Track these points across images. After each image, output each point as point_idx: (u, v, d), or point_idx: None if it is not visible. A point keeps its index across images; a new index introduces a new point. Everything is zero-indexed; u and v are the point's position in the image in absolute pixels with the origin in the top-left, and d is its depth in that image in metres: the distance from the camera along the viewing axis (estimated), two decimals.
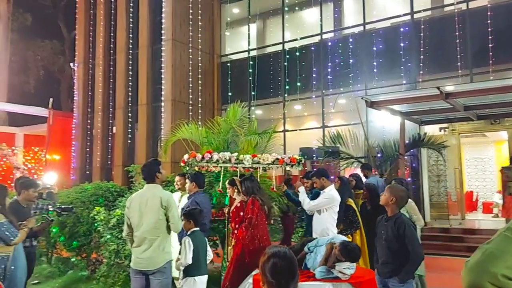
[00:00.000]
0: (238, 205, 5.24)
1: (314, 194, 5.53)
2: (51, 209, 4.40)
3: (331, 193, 5.14)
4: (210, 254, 4.61)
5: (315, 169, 5.70)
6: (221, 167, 5.80)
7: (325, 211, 5.14)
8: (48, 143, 15.19)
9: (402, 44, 11.14)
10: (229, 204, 5.70)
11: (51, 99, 15.25)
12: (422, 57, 10.74)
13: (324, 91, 12.37)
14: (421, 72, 10.74)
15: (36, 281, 7.09)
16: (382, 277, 3.81)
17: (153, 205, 4.02)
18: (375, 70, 11.45)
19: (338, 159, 10.24)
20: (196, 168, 5.74)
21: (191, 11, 13.67)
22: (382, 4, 12.03)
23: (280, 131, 12.38)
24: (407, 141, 9.51)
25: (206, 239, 4.85)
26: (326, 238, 4.88)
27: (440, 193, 11.04)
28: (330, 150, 10.11)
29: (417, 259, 3.61)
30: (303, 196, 5.32)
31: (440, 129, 11.12)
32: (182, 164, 5.66)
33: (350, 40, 12.12)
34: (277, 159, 5.82)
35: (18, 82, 23.89)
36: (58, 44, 25.84)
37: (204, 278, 4.37)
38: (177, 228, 4.16)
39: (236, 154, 5.83)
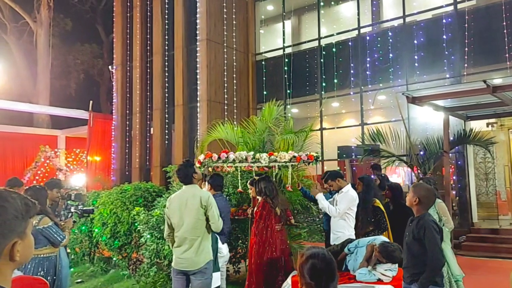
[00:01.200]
0: (260, 205, 5.28)
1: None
2: (73, 210, 4.56)
3: (350, 193, 5.12)
4: (224, 252, 4.67)
5: (328, 172, 5.58)
6: (236, 167, 5.83)
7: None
8: (88, 145, 15.82)
9: (444, 36, 10.79)
10: (253, 205, 5.74)
11: (91, 102, 15.87)
12: (466, 49, 10.36)
13: (362, 87, 12.18)
14: (466, 65, 10.36)
15: (79, 280, 7.41)
16: (405, 282, 3.62)
17: (193, 205, 4.09)
18: (416, 65, 11.16)
19: (379, 158, 10.05)
20: (210, 170, 5.82)
21: (225, 10, 13.82)
22: None
23: (317, 130, 12.30)
24: (451, 138, 9.21)
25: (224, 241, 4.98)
26: (367, 239, 4.83)
27: (489, 192, 10.63)
28: (370, 148, 9.92)
29: (436, 265, 3.35)
30: (325, 204, 5.20)
31: (488, 124, 10.69)
32: (198, 165, 5.72)
33: (390, 33, 11.87)
34: (294, 157, 5.77)
35: (60, 86, 24.95)
36: (97, 48, 26.79)
37: (217, 275, 4.47)
38: (217, 228, 4.20)
39: (252, 153, 5.84)
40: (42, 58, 21.78)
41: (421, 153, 9.55)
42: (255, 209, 5.36)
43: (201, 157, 5.72)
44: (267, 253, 5.07)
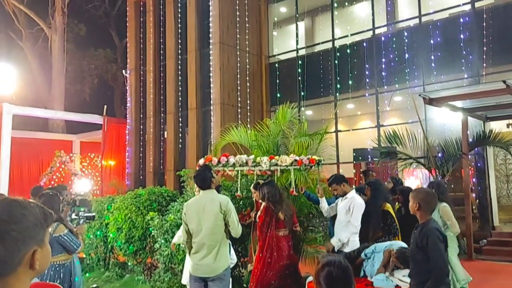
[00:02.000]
0: (263, 211, 5.26)
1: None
2: (74, 216, 4.59)
3: (358, 201, 5.06)
4: (233, 258, 4.66)
5: (333, 176, 5.54)
6: (237, 171, 5.82)
7: (348, 217, 5.06)
8: (103, 149, 16.00)
9: (462, 36, 10.65)
10: (256, 208, 5.72)
11: (105, 107, 16.06)
12: (485, 48, 10.20)
13: (378, 88, 12.08)
14: (485, 65, 10.20)
15: (94, 285, 7.48)
16: None
17: (212, 210, 4.06)
18: (433, 65, 11.03)
19: (396, 160, 9.96)
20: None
21: (238, 13, 13.87)
22: None
23: (332, 132, 12.24)
24: (470, 139, 9.08)
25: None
26: (383, 244, 4.78)
27: (510, 195, 10.43)
28: (386, 150, 9.83)
29: (439, 274, 3.23)
30: (325, 206, 5.40)
31: (508, 125, 10.50)
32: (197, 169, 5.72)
33: (405, 33, 11.76)
34: (295, 160, 5.73)
35: (74, 91, 25.32)
36: (110, 53, 27.13)
37: None
38: (237, 233, 4.19)
39: (252, 156, 5.82)
40: (56, 63, 22.14)
41: (439, 155, 9.42)
42: (259, 213, 5.35)
43: (201, 161, 5.72)
44: (273, 259, 5.04)
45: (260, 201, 5.43)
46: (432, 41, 11.14)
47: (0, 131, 13.38)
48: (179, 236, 5.61)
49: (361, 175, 8.61)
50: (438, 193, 5.33)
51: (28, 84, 22.18)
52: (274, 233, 5.11)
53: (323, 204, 5.55)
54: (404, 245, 4.68)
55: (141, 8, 16.31)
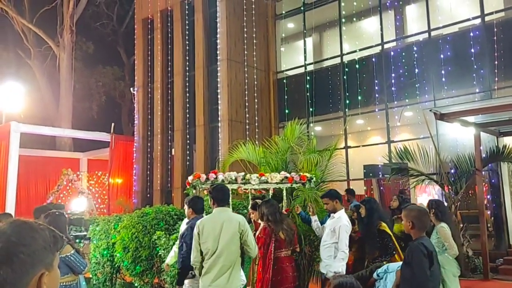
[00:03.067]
0: (262, 231, 5.20)
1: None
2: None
3: (343, 222, 4.98)
4: (243, 279, 4.61)
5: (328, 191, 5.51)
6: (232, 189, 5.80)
7: (334, 239, 4.98)
8: (110, 167, 16.09)
9: (472, 50, 10.64)
10: (255, 228, 5.68)
11: (113, 124, 16.21)
12: (496, 62, 10.17)
13: (388, 103, 12.06)
14: (496, 79, 10.16)
15: None
16: None
17: (230, 229, 3.98)
18: (443, 80, 11.01)
19: (407, 177, 9.87)
20: (193, 192, 5.81)
21: (245, 29, 14.02)
22: (448, 8, 11.61)
23: (341, 148, 12.19)
24: (484, 155, 8.99)
25: None
26: (396, 264, 4.70)
27: None
28: (397, 166, 9.76)
29: None
30: (314, 225, 5.42)
31: None
32: (188, 186, 5.72)
33: (415, 48, 11.79)
34: (286, 177, 5.70)
35: (82, 109, 25.63)
36: (118, 70, 27.51)
37: None
38: (254, 254, 4.14)
39: (242, 173, 5.80)
40: (64, 81, 22.47)
41: (452, 171, 9.34)
42: (257, 233, 5.29)
43: (190, 178, 5.73)
44: (277, 282, 4.96)
45: (259, 221, 5.39)
46: (442, 56, 11.14)
47: (8, 149, 13.53)
48: (172, 257, 5.61)
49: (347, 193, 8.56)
50: (438, 212, 5.27)
51: (36, 102, 22.50)
52: (275, 254, 5.03)
53: (314, 222, 5.53)
54: None
55: (149, 26, 16.57)
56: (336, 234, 4.94)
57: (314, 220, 5.55)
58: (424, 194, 10.91)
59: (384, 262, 5.13)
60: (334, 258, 4.93)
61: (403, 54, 12.03)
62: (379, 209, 5.59)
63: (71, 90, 22.76)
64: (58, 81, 23.05)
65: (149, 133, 16.10)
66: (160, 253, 6.32)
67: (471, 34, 10.76)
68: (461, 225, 8.93)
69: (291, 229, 5.23)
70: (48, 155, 17.82)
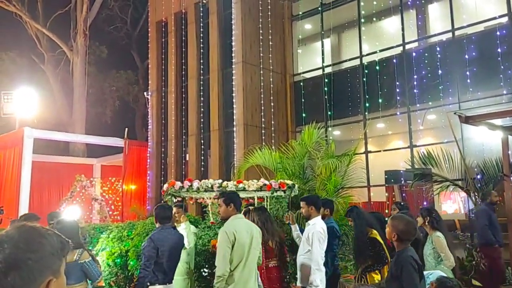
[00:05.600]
0: None
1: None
2: None
3: (317, 229, 4.87)
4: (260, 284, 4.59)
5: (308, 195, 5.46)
6: (209, 198, 5.77)
7: (308, 247, 4.89)
8: (124, 173, 16.26)
9: (499, 50, 10.47)
10: None
11: (126, 129, 16.39)
12: None
13: (410, 106, 11.94)
14: None
15: None
16: None
17: (257, 238, 4.03)
18: (468, 81, 10.85)
19: (431, 183, 9.73)
20: (173, 200, 5.80)
21: (261, 31, 14.06)
22: (472, 7, 11.46)
23: (361, 153, 12.09)
24: None
25: None
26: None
27: None
28: (420, 172, 9.63)
29: None
30: (294, 235, 5.38)
31: None
32: (163, 194, 5.72)
33: (438, 48, 11.66)
34: (265, 184, 5.64)
35: (95, 114, 26.00)
36: (132, 74, 27.85)
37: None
38: (260, 261, 4.17)
39: (219, 181, 5.76)
40: (78, 86, 22.84)
41: (478, 176, 9.17)
42: None
43: (165, 186, 5.73)
44: None
45: None
46: (467, 56, 10.98)
47: (21, 155, 13.79)
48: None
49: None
50: (433, 220, 5.16)
51: (50, 107, 22.92)
52: (264, 263, 4.96)
53: (294, 232, 5.49)
54: (444, 274, 4.53)
55: (163, 29, 16.75)
56: (309, 242, 4.87)
57: (294, 229, 5.52)
58: (449, 201, 10.74)
59: (377, 271, 5.08)
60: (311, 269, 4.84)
61: (426, 54, 11.90)
62: (366, 217, 5.52)
63: (84, 95, 23.11)
64: (71, 86, 23.45)
65: (163, 138, 16.23)
66: None
67: (498, 33, 10.59)
68: None
69: (280, 239, 5.19)
70: (61, 161, 18.10)
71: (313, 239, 4.79)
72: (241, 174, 8.60)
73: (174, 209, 5.88)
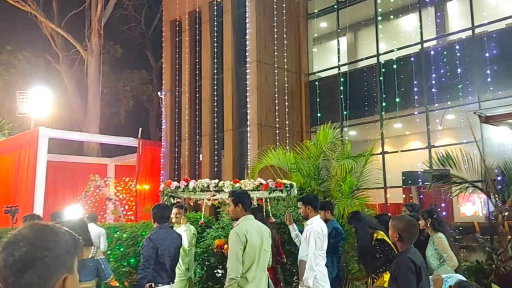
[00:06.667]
0: None
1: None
2: None
3: (314, 228, 4.87)
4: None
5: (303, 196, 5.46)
6: (202, 198, 5.77)
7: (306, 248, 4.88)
8: (137, 173, 16.40)
9: None
10: None
11: (140, 129, 16.55)
12: None
13: (428, 106, 11.82)
14: None
15: None
16: None
17: (268, 238, 4.05)
18: (489, 80, 10.70)
19: (449, 184, 9.61)
20: (171, 201, 5.80)
21: (275, 30, 14.06)
22: (493, 4, 11.31)
23: (378, 154, 12.01)
24: None
25: None
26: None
27: None
28: (438, 173, 9.52)
29: None
30: (293, 235, 5.41)
31: None
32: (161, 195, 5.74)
33: (457, 46, 11.52)
34: (261, 184, 5.60)
35: (109, 114, 26.31)
36: (146, 74, 28.11)
37: None
38: (270, 262, 4.20)
39: (216, 181, 5.74)
40: (92, 86, 23.13)
41: (499, 178, 9.03)
42: None
43: (161, 186, 5.74)
44: None
45: None
46: (487, 54, 10.84)
47: (36, 155, 14.02)
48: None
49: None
50: (434, 222, 5.12)
51: (64, 107, 23.27)
52: None
53: (293, 232, 5.54)
54: (463, 278, 4.48)
55: (177, 28, 16.86)
56: (307, 241, 4.89)
57: (292, 229, 5.55)
58: (468, 203, 10.61)
59: (388, 272, 5.06)
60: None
61: (445, 53, 11.78)
62: (367, 219, 5.50)
63: (98, 95, 23.39)
64: (85, 85, 23.77)
65: (176, 138, 16.33)
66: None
67: None
68: (509, 237, 8.62)
69: (274, 240, 5.20)
70: (75, 161, 18.35)
71: (309, 238, 4.83)
72: (255, 174, 8.61)
73: (175, 210, 5.95)
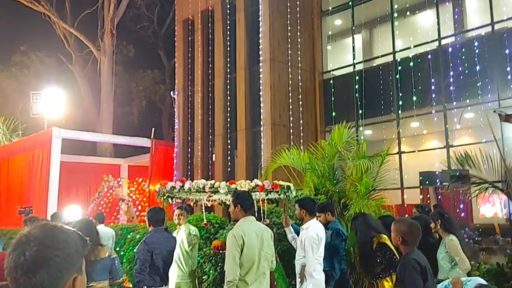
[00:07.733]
0: None
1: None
2: None
3: (309, 233, 4.80)
4: None
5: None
6: (198, 198, 5.76)
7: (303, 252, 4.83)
8: (150, 173, 16.48)
9: None
10: None
11: (153, 129, 16.64)
12: None
13: (446, 104, 11.69)
14: None
15: None
16: None
17: (268, 240, 4.03)
18: (509, 77, 10.55)
19: (469, 185, 9.49)
20: (169, 201, 5.81)
21: (289, 28, 14.04)
22: None
23: (394, 153, 11.91)
24: None
25: None
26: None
27: None
28: (457, 173, 9.41)
29: None
30: (289, 238, 5.41)
31: None
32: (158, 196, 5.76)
33: (476, 43, 11.37)
34: (257, 185, 5.54)
35: (122, 114, 26.52)
36: (158, 73, 28.29)
37: None
38: (274, 264, 4.18)
39: (212, 181, 5.71)
40: (105, 86, 23.34)
41: None
42: None
43: (158, 187, 5.76)
44: None
45: None
46: (507, 51, 10.68)
47: (50, 155, 14.19)
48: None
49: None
50: (445, 223, 5.03)
51: (77, 107, 23.51)
52: None
53: (289, 234, 5.51)
54: (483, 281, 4.41)
55: (189, 27, 16.93)
56: (303, 247, 4.85)
57: (288, 231, 5.51)
58: (488, 204, 10.46)
59: (388, 278, 5.00)
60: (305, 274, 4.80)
61: (463, 50, 11.63)
62: (371, 223, 5.40)
63: (111, 95, 23.60)
64: (98, 86, 24.01)
65: (189, 138, 16.40)
66: (200, 262, 6.43)
67: None
68: None
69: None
70: (88, 161, 18.53)
71: (306, 245, 4.80)
72: (268, 174, 8.61)
73: (177, 211, 5.99)
